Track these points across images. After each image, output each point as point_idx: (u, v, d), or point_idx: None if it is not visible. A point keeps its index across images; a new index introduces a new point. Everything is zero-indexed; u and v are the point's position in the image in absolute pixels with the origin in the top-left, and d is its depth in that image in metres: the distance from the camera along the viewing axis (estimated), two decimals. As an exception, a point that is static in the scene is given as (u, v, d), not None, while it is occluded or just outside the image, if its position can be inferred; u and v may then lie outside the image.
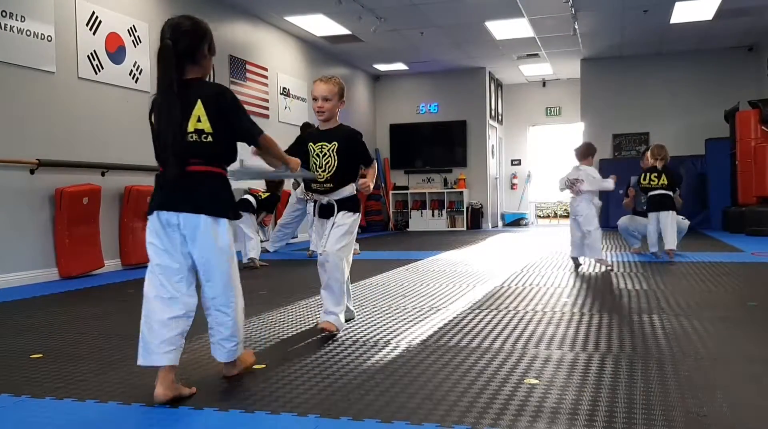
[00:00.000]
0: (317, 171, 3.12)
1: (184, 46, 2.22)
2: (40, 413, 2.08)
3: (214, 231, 2.23)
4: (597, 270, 5.59)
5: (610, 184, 5.67)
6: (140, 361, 2.20)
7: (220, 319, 2.29)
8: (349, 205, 3.17)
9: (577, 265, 5.82)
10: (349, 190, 3.19)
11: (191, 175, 2.22)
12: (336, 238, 3.09)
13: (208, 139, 2.22)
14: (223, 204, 2.28)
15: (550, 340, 2.92)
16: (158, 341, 2.17)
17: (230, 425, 1.92)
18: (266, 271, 6.06)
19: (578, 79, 12.77)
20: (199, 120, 2.21)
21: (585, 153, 5.82)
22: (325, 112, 3.16)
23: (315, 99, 3.17)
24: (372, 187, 3.21)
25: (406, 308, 3.85)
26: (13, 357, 2.85)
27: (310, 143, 3.19)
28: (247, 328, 3.32)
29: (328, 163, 3.12)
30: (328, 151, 3.13)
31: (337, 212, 3.14)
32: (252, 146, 2.40)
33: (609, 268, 5.56)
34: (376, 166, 3.30)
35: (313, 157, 3.15)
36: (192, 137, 2.21)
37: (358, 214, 3.20)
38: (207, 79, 2.37)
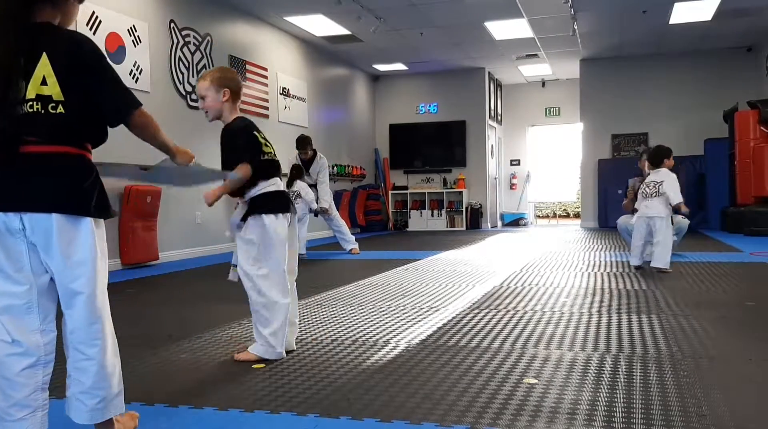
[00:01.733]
0: None
1: None
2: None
3: (72, 236, 1.61)
4: (596, 270, 5.60)
5: (679, 198, 5.33)
6: None
7: (80, 363, 1.67)
8: (252, 207, 2.67)
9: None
10: (253, 190, 2.67)
11: (36, 158, 1.58)
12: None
13: (58, 110, 1.58)
14: (84, 197, 1.62)
15: (549, 340, 2.93)
16: (7, 404, 1.61)
17: (230, 424, 1.93)
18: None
19: (577, 79, 12.78)
20: (44, 82, 1.56)
21: (658, 159, 5.55)
22: (207, 112, 2.68)
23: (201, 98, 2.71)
24: (212, 200, 2.56)
25: (406, 308, 3.85)
26: (13, 356, 2.85)
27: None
28: (247, 328, 3.31)
29: None
30: None
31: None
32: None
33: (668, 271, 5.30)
34: (239, 174, 2.56)
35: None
36: (33, 107, 1.57)
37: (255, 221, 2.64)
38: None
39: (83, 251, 1.63)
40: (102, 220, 1.69)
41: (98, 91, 1.63)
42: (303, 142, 7.37)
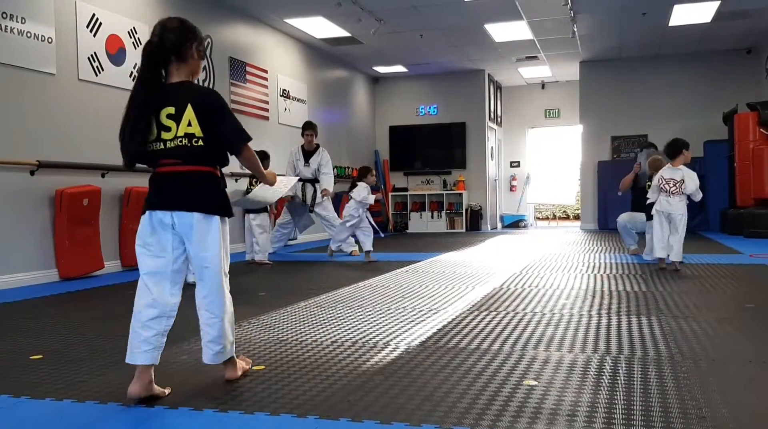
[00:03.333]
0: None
1: (170, 43, 2.26)
2: (40, 414, 2.09)
3: (206, 229, 2.27)
4: (596, 272, 5.60)
5: (700, 196, 5.54)
6: (126, 359, 2.26)
7: (210, 320, 2.33)
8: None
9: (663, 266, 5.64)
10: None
11: (183, 175, 2.26)
12: None
13: (199, 143, 2.25)
14: (215, 201, 2.30)
15: (549, 342, 2.93)
16: (138, 340, 2.24)
17: (230, 426, 1.93)
18: (266, 273, 6.06)
19: (577, 81, 12.79)
20: (189, 124, 2.23)
21: (675, 150, 5.61)
22: None
23: None
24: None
25: (406, 309, 3.86)
26: (13, 358, 2.86)
27: None
28: (247, 329, 3.34)
29: None
30: None
31: None
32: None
33: (677, 269, 5.47)
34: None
35: None
36: (182, 141, 2.23)
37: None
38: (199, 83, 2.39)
39: (212, 239, 2.28)
40: (227, 218, 2.35)
41: (220, 130, 2.28)
42: (311, 125, 7.66)
